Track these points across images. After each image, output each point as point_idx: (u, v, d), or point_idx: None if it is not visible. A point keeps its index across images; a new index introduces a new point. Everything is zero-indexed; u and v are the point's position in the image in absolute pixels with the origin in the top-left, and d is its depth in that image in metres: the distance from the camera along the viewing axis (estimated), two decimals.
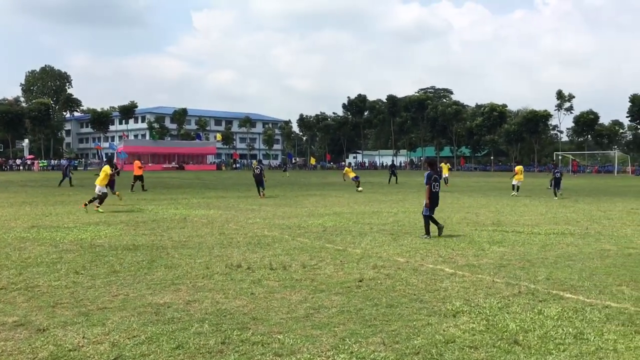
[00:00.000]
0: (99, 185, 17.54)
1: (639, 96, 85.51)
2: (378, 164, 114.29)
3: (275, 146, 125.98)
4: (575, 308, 6.28)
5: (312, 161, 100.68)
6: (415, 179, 50.54)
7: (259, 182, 24.53)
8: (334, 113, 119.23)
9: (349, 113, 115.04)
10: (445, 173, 36.03)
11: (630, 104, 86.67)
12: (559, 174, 26.32)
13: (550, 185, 28.21)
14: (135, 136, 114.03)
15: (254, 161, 31.67)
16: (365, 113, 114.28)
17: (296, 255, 9.67)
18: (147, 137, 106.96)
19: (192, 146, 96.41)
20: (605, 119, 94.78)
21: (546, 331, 5.43)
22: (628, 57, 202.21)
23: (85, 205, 17.38)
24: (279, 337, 5.18)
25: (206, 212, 17.32)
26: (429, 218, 12.19)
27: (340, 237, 12.00)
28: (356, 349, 4.86)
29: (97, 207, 17.26)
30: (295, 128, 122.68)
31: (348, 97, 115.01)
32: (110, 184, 19.85)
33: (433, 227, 12.11)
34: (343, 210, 18.25)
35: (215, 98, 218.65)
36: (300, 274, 8.07)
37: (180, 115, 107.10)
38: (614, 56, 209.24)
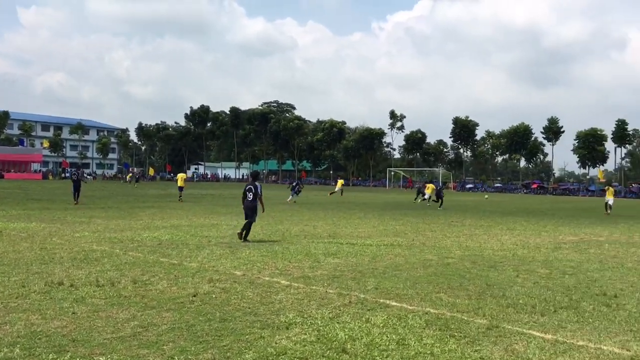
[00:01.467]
0: None
1: (460, 119, 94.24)
2: (220, 176, 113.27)
3: (111, 155, 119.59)
4: (399, 315, 6.66)
5: (151, 172, 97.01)
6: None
7: (76, 188, 26.16)
8: (175, 123, 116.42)
9: (191, 123, 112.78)
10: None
11: (453, 125, 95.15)
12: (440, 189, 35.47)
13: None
14: None
15: (74, 168, 31.49)
16: (208, 124, 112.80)
17: (127, 270, 9.17)
18: None
19: (13, 152, 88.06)
20: (432, 139, 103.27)
21: (372, 339, 5.68)
22: (452, 83, 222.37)
23: None
24: (100, 358, 4.84)
25: (26, 225, 15.85)
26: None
27: (176, 250, 11.64)
28: None
29: None
30: (133, 137, 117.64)
31: (191, 107, 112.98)
32: None
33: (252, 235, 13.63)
34: (181, 223, 17.76)
35: (44, 102, 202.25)
36: (130, 290, 7.66)
37: (0, 119, 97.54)
38: (440, 81, 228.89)
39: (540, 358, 5.24)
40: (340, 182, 45.06)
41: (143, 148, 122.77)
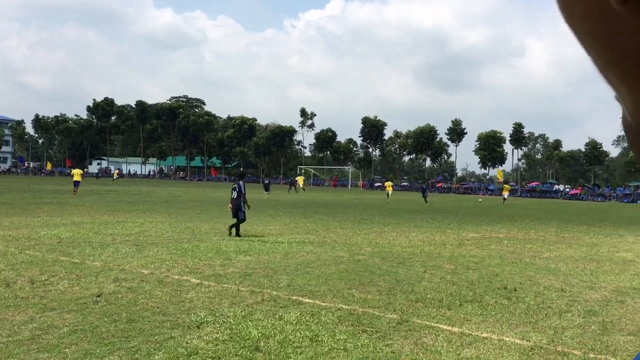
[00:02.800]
0: None
1: (370, 119, 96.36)
2: (125, 172, 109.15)
3: (5, 148, 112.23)
4: (312, 312, 6.67)
5: (49, 166, 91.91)
6: (164, 188, 49.48)
7: None
8: (76, 115, 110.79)
9: (94, 116, 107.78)
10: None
11: (362, 125, 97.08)
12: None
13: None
14: None
15: None
16: (113, 118, 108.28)
17: (23, 270, 8.59)
18: None
19: None
20: (342, 137, 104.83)
21: (285, 336, 5.64)
22: (362, 84, 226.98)
23: None
24: None
25: None
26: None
27: (78, 249, 11.05)
28: None
29: None
30: (29, 129, 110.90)
31: (94, 100, 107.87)
32: None
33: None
34: (83, 220, 16.91)
35: None
36: (28, 291, 7.18)
37: None
38: (350, 81, 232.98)
39: (448, 350, 5.40)
40: (300, 178, 50.03)
41: (40, 141, 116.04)
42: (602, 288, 8.89)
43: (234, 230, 14.32)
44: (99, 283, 7.84)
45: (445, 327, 6.25)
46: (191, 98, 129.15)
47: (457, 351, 5.39)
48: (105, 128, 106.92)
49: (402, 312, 6.81)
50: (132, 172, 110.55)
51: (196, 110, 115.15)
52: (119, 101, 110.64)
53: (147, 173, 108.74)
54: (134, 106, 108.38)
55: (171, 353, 4.97)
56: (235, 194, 14.50)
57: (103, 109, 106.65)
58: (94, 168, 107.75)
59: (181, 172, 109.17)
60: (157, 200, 29.96)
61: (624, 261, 12.13)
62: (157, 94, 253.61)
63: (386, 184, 48.94)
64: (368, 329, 6.01)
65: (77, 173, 33.31)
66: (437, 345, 5.56)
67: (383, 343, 5.55)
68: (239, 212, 14.36)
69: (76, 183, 32.45)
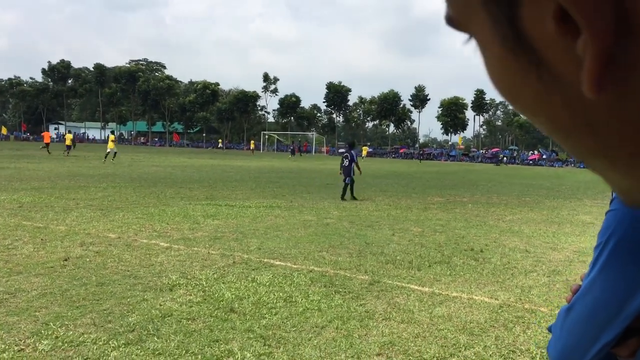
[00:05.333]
0: None
1: (334, 84, 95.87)
2: (84, 137, 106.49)
3: None
4: (285, 274, 6.68)
5: (4, 131, 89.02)
6: (126, 153, 48.61)
7: None
8: (31, 78, 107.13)
9: (49, 80, 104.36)
10: None
11: (326, 90, 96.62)
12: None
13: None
14: None
15: None
16: (70, 81, 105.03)
17: None
18: None
19: None
20: (306, 103, 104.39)
21: (259, 297, 5.65)
22: (325, 48, 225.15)
23: None
24: None
25: None
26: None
27: (41, 213, 10.78)
28: (62, 333, 4.37)
29: None
30: None
31: (49, 62, 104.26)
32: None
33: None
34: (43, 185, 16.47)
35: None
36: None
37: None
38: (314, 46, 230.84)
39: (420, 309, 5.50)
40: (364, 148, 57.76)
41: None
42: (564, 249, 9.16)
43: (348, 193, 15.93)
44: (65, 247, 7.68)
45: (416, 287, 6.35)
46: (151, 62, 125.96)
47: (429, 310, 5.50)
48: (62, 92, 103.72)
49: (373, 274, 6.89)
50: (90, 137, 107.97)
51: (157, 74, 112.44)
52: (76, 64, 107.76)
53: (105, 138, 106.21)
54: (91, 69, 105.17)
55: (145, 315, 4.93)
56: (347, 162, 16.18)
57: (59, 71, 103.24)
58: (50, 133, 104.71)
59: (142, 138, 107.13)
60: (118, 164, 29.37)
61: (583, 223, 12.51)
62: (116, 58, 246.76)
63: (362, 148, 56.38)
64: (341, 290, 6.06)
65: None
66: (409, 304, 5.65)
67: (357, 303, 5.62)
68: (347, 177, 16.09)
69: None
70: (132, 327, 4.60)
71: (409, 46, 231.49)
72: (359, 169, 16.38)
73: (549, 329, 1.14)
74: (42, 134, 40.57)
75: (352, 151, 16.65)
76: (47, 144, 39.94)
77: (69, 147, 38.59)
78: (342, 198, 15.82)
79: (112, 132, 42.20)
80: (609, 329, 0.88)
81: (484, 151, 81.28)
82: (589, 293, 0.90)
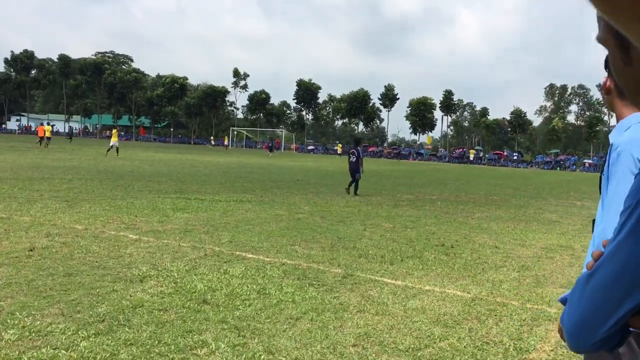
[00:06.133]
0: None
1: (304, 82, 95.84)
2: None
3: None
4: (257, 266, 6.62)
5: None
6: (91, 147, 47.67)
7: None
8: None
9: (12, 70, 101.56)
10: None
11: (296, 87, 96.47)
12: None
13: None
14: None
15: None
16: (33, 72, 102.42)
17: None
18: None
19: None
20: (275, 100, 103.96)
21: (232, 289, 5.57)
22: (296, 47, 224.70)
23: None
24: None
25: None
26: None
27: (4, 204, 10.46)
28: (29, 323, 4.23)
29: None
30: None
31: (12, 52, 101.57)
32: None
33: None
34: (5, 176, 16.01)
35: None
36: None
37: None
38: (285, 44, 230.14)
39: (394, 302, 5.50)
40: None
41: None
42: (532, 245, 9.30)
43: (352, 188, 16.51)
44: (30, 237, 7.46)
45: (389, 280, 6.36)
46: (118, 54, 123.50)
47: (402, 302, 5.50)
48: (25, 82, 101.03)
49: (346, 267, 6.87)
50: (54, 129, 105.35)
51: (123, 67, 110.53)
52: (40, 54, 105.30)
53: (69, 130, 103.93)
54: (56, 60, 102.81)
55: (115, 305, 4.81)
56: (354, 158, 16.83)
57: (22, 62, 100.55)
58: (12, 124, 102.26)
59: (107, 131, 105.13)
60: (84, 157, 28.77)
61: (549, 221, 12.74)
62: (81, 49, 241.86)
63: (338, 145, 66.17)
64: (314, 283, 6.03)
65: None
66: (383, 297, 5.65)
67: (331, 295, 5.59)
68: (356, 173, 16.60)
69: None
70: (102, 318, 4.48)
71: (379, 46, 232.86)
72: (362, 167, 16.91)
73: (562, 301, 1.12)
74: (37, 128, 42.21)
75: (359, 148, 17.36)
76: (42, 138, 40.62)
77: (48, 138, 40.51)
78: (356, 193, 16.48)
79: (116, 127, 44.21)
80: (635, 293, 0.86)
81: (449, 151, 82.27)
82: (615, 256, 0.88)
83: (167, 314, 4.68)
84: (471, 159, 65.99)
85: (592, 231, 2.31)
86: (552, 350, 4.44)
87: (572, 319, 0.98)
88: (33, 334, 4.05)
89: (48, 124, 50.42)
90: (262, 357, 3.94)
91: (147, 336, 4.16)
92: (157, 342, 4.07)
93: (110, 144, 32.92)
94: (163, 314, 4.69)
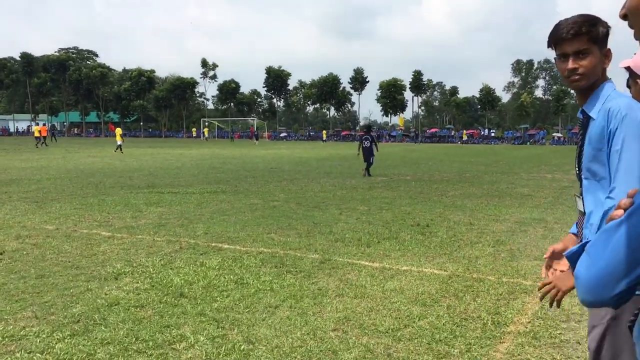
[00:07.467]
0: None
1: (274, 69, 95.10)
2: (12, 130, 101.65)
3: None
4: (234, 257, 6.57)
5: None
6: (59, 144, 46.83)
7: None
8: None
9: None
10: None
11: (266, 75, 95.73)
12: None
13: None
14: None
15: None
16: None
17: None
18: None
19: None
20: (245, 88, 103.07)
21: (210, 281, 5.53)
22: (263, 34, 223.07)
23: None
24: None
25: None
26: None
27: None
28: (1, 328, 4.15)
29: None
30: None
31: None
32: None
33: None
34: None
35: None
36: None
37: None
38: (251, 32, 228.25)
39: (372, 284, 5.52)
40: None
41: None
42: (506, 220, 9.41)
43: (367, 171, 18.16)
44: (0, 241, 7.29)
45: (367, 263, 6.37)
46: (82, 50, 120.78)
47: (380, 284, 5.52)
48: None
49: (323, 252, 6.87)
50: (20, 129, 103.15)
51: (88, 62, 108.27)
52: (1, 54, 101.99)
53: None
54: (18, 59, 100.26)
55: (90, 305, 4.73)
56: (367, 143, 18.45)
57: None
58: None
59: (75, 129, 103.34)
60: (52, 157, 28.23)
61: (522, 195, 12.91)
62: (44, 46, 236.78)
63: (323, 132, 72.18)
64: (292, 270, 6.01)
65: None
66: (361, 280, 5.66)
67: (309, 281, 5.58)
68: (370, 157, 18.33)
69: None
70: (77, 318, 4.40)
71: (346, 30, 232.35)
72: (377, 149, 18.84)
73: (569, 256, 1.08)
74: (40, 129, 43.35)
75: (371, 133, 19.23)
76: (44, 137, 43.17)
77: (44, 137, 43.11)
78: (369, 174, 18.07)
79: (119, 126, 47.71)
80: None
81: (422, 131, 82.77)
82: None
83: (143, 310, 4.62)
84: (464, 139, 70.91)
85: (577, 208, 2.28)
86: (529, 322, 4.50)
87: (594, 268, 0.93)
88: (6, 339, 3.96)
89: (44, 124, 54.37)
90: (242, 347, 3.91)
91: (124, 334, 4.10)
92: (134, 339, 4.01)
93: (119, 143, 34.87)
94: (140, 310, 4.63)
